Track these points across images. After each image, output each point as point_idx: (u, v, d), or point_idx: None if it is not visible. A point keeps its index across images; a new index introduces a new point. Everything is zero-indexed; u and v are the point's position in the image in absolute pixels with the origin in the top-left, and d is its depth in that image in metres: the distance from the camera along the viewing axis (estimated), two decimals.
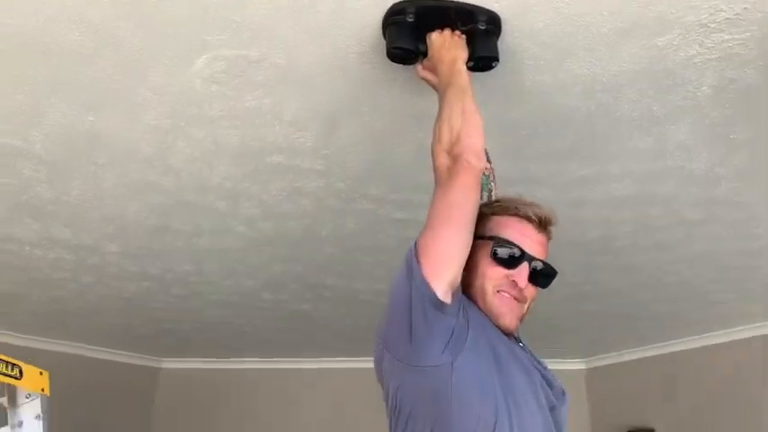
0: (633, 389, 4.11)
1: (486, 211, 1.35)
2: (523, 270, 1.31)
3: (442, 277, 1.18)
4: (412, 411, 1.21)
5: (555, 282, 1.38)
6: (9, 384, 1.95)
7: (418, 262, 1.19)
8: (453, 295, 1.20)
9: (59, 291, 3.12)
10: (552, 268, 1.36)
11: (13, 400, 2.01)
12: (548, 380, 1.37)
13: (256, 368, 4.54)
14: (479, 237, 1.30)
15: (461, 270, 1.23)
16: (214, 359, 4.57)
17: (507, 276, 1.31)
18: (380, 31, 1.42)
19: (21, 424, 2.00)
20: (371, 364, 1.33)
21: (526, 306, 1.35)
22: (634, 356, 4.13)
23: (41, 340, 3.98)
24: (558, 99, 1.66)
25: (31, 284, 3.04)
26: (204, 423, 4.45)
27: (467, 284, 1.30)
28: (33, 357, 2.74)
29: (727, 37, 1.42)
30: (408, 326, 1.18)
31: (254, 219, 2.35)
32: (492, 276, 1.31)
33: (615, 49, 1.47)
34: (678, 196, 2.16)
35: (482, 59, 1.44)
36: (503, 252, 1.31)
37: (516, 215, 1.34)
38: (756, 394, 3.50)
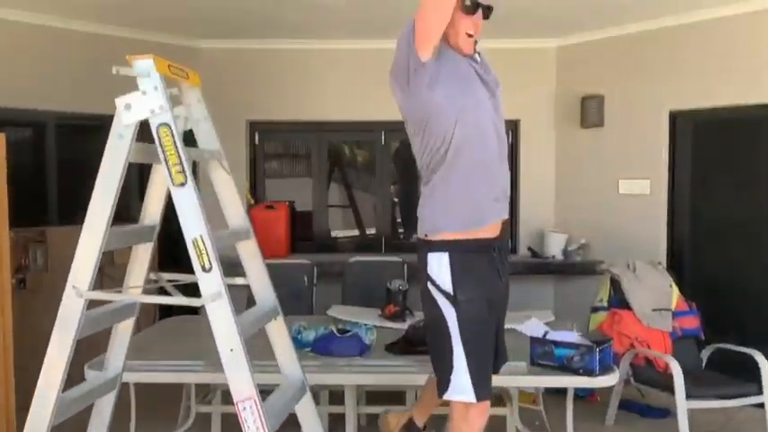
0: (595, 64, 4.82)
1: None
2: (479, 14, 2.06)
3: (428, 48, 1.94)
4: (416, 123, 2.05)
5: None
6: None
7: (414, 34, 1.92)
8: (435, 49, 1.96)
9: None
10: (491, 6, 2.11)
11: None
12: (490, 78, 2.16)
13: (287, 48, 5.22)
14: None
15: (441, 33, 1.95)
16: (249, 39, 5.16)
17: (471, 21, 2.05)
18: None
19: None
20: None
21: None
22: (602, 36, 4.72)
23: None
24: None
25: None
26: (240, 97, 5.21)
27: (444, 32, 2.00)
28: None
29: None
30: (407, 74, 1.98)
31: None
32: (463, 25, 2.05)
33: None
34: None
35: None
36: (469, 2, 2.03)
37: None
38: None
